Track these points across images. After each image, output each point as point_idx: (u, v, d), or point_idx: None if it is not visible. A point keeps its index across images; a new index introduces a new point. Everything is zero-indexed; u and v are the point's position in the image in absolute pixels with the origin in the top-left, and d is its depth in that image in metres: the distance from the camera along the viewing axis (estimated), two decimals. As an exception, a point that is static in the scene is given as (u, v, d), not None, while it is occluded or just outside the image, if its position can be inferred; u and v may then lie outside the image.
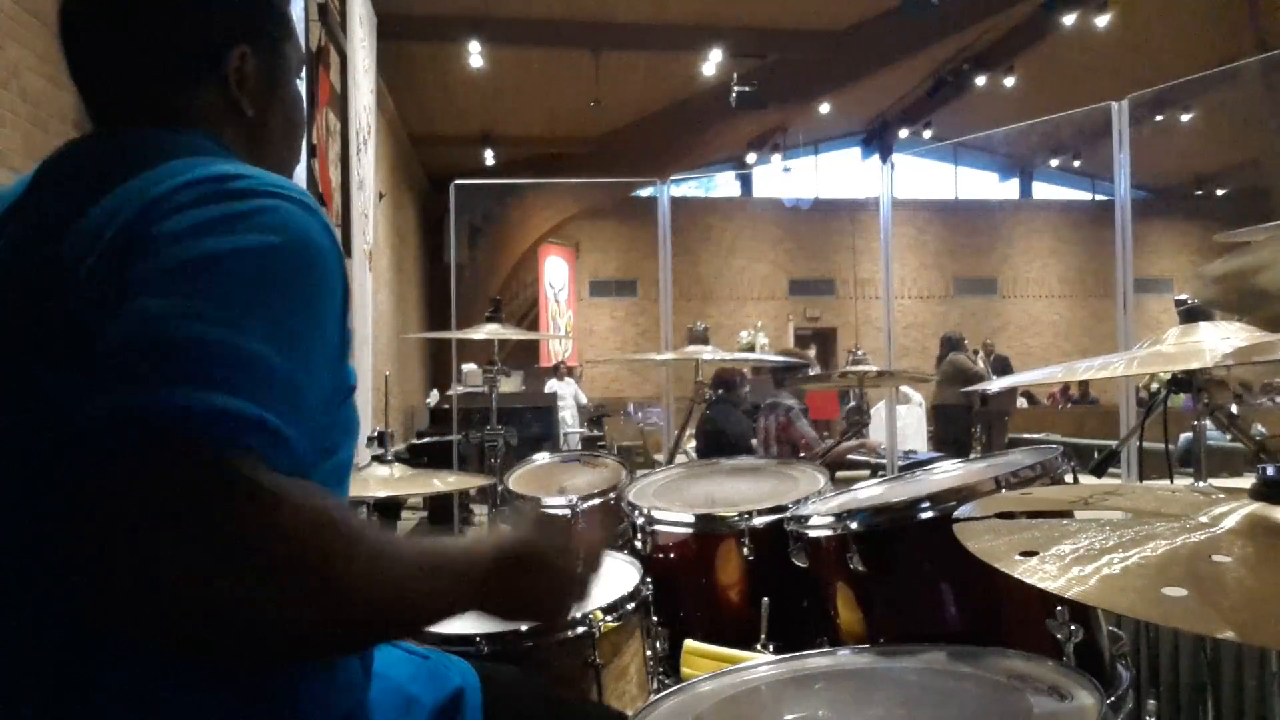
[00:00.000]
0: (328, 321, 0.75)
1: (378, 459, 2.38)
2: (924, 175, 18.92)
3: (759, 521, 1.74)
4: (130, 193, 0.73)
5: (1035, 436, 8.97)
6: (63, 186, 0.80)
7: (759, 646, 1.57)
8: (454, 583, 0.74)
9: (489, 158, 14.91)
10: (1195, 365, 1.52)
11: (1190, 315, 1.64)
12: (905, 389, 7.55)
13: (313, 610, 0.63)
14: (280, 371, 0.68)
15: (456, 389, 7.43)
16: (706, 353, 3.16)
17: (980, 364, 9.64)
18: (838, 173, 19.10)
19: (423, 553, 0.73)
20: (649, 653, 1.54)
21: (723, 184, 19.61)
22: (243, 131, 0.90)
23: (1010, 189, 20.50)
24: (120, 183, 0.74)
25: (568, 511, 2.21)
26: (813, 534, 1.48)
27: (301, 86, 0.99)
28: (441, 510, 7.18)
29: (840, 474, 4.16)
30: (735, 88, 12.68)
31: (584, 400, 11.44)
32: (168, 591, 0.60)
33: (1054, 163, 18.87)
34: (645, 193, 16.05)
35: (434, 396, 10.18)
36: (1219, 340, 1.53)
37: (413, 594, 0.70)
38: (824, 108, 14.78)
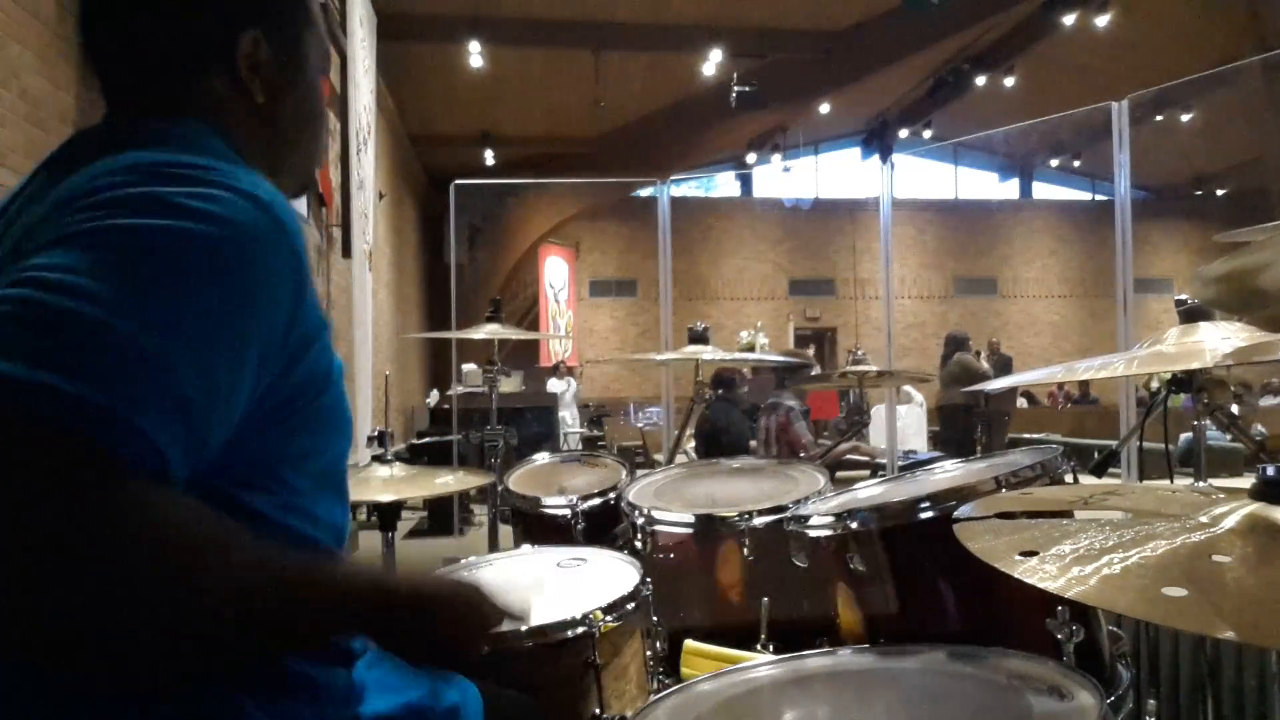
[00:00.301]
0: (251, 319, 0.70)
1: (377, 459, 2.38)
2: (924, 175, 18.92)
3: (759, 521, 1.74)
4: (78, 179, 0.72)
5: (1035, 436, 8.97)
6: (42, 176, 0.80)
7: (759, 646, 1.57)
8: (338, 605, 0.68)
9: (489, 158, 14.91)
10: (1195, 365, 1.52)
11: (1190, 315, 1.64)
12: (907, 388, 7.55)
13: (128, 623, 0.55)
14: (151, 359, 0.61)
15: (456, 389, 7.43)
16: (706, 353, 3.15)
17: (985, 364, 9.64)
18: (838, 173, 19.09)
19: (304, 571, 0.67)
20: (649, 653, 1.54)
21: (723, 184, 19.60)
22: (254, 119, 0.88)
23: (1010, 189, 20.49)
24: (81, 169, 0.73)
25: (568, 511, 2.21)
26: (813, 534, 1.48)
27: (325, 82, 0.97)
28: (442, 511, 7.20)
29: (840, 474, 4.17)
30: (735, 88, 12.68)
31: (575, 387, 11.45)
32: None
33: (1054, 163, 18.87)
34: (645, 193, 16.06)
35: (434, 396, 10.19)
36: (1219, 340, 1.53)
37: (282, 615, 0.64)
38: (824, 108, 14.77)
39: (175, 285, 0.65)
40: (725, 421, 4.82)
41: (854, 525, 1.40)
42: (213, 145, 0.82)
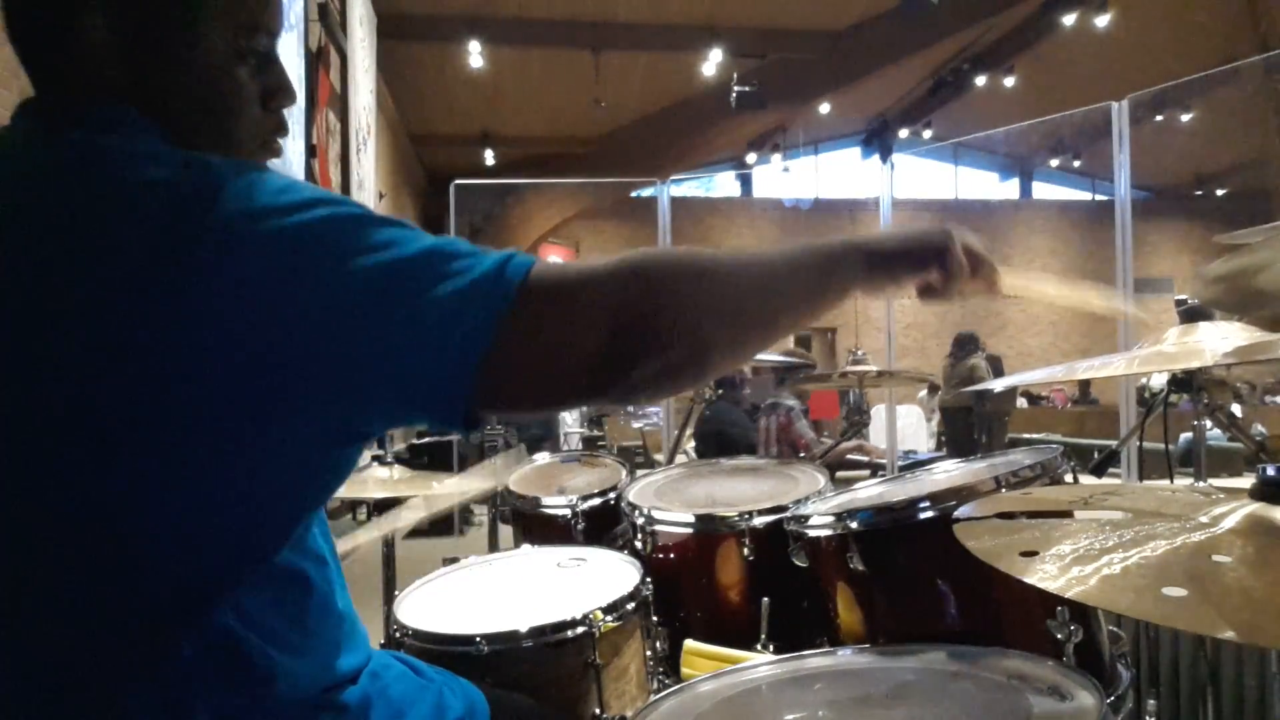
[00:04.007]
0: None
1: (377, 459, 2.38)
2: (924, 175, 18.91)
3: (759, 521, 1.73)
4: None
5: (1035, 436, 8.97)
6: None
7: (759, 646, 1.57)
8: (810, 271, 0.82)
9: (489, 158, 14.90)
10: (1195, 365, 1.52)
11: (1190, 315, 1.64)
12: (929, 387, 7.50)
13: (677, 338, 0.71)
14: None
15: (456, 389, 7.41)
16: (706, 353, 3.13)
17: (986, 373, 9.64)
18: (838, 173, 19.09)
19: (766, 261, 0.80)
20: (649, 653, 1.54)
21: (723, 184, 19.59)
22: (140, 110, 0.78)
23: (1010, 189, 20.49)
24: None
25: (568, 511, 2.21)
26: (813, 534, 1.48)
27: (247, 62, 0.82)
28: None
29: (840, 474, 4.16)
30: (735, 88, 12.67)
31: None
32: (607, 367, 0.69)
33: (1054, 163, 18.86)
34: (645, 193, 16.01)
35: (434, 396, 10.15)
36: (1219, 340, 1.53)
37: (775, 295, 0.79)
38: (824, 108, 14.76)
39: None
40: (726, 421, 4.82)
41: (854, 525, 1.40)
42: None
